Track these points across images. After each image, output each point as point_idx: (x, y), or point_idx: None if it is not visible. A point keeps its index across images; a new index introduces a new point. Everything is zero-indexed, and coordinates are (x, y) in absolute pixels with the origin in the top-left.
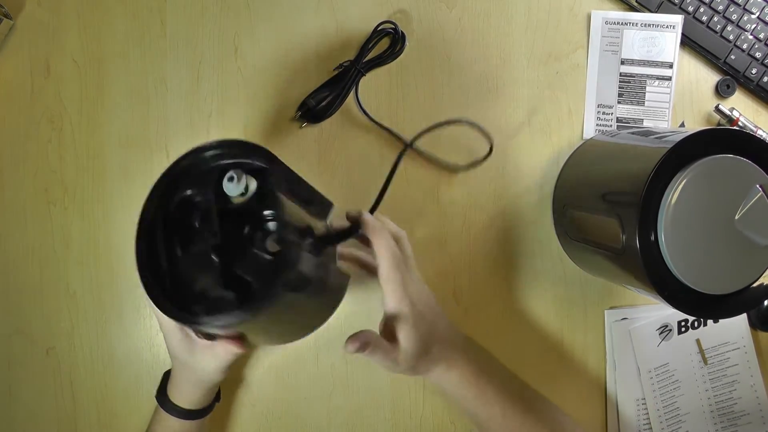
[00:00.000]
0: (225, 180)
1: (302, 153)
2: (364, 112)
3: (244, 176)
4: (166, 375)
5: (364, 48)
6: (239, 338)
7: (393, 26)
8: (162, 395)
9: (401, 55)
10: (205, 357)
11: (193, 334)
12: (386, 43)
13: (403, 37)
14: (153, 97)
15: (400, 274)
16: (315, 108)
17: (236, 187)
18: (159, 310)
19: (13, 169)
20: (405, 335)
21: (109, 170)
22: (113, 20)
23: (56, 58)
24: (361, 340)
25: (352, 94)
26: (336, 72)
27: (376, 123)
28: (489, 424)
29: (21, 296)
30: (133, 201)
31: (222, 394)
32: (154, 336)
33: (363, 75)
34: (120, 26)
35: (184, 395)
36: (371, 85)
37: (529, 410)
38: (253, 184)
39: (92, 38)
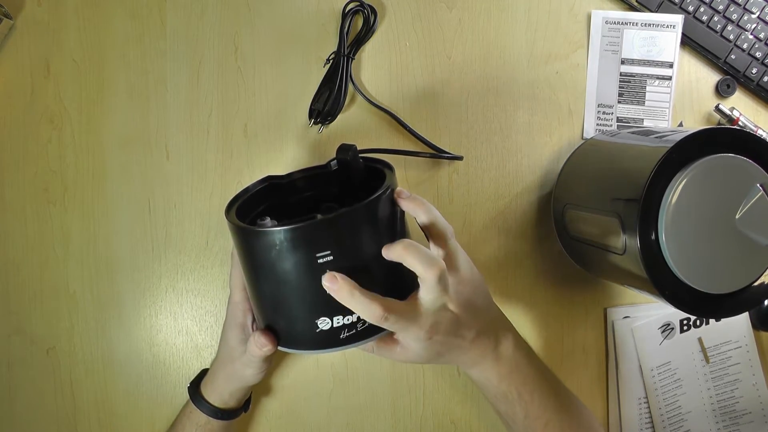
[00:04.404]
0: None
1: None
2: (366, 97)
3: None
4: (202, 372)
5: (342, 34)
6: (271, 335)
7: (359, 3)
8: (193, 389)
9: (377, 27)
10: (250, 359)
11: (251, 329)
12: (360, 20)
13: (372, 9)
14: (153, 97)
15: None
16: (324, 110)
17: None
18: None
19: (13, 169)
20: (411, 354)
21: (109, 170)
22: (113, 20)
23: (56, 58)
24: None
25: (351, 82)
26: (327, 67)
27: (380, 108)
28: (510, 421)
29: (21, 296)
30: (133, 201)
31: None
32: (154, 336)
33: (353, 60)
34: (120, 26)
35: (217, 391)
36: (372, 85)
37: (556, 412)
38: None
39: (92, 38)
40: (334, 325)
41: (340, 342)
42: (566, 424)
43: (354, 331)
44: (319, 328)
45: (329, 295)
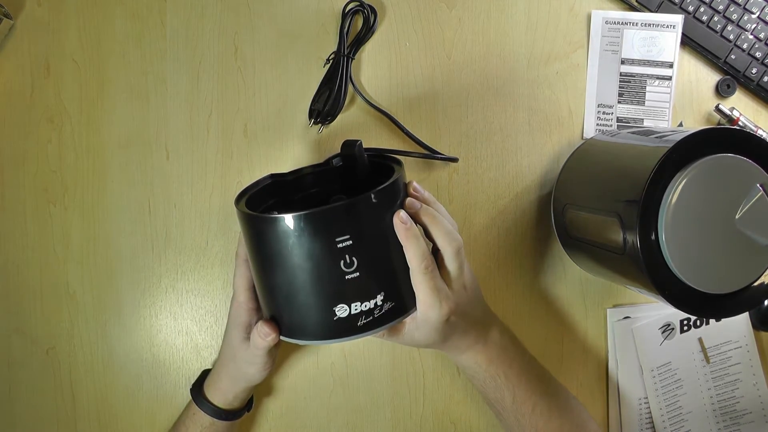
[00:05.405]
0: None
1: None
2: (364, 97)
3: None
4: (204, 373)
5: (342, 34)
6: (274, 325)
7: (359, 3)
8: (196, 390)
9: (377, 27)
10: (254, 354)
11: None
12: (360, 20)
13: (372, 9)
14: (153, 97)
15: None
16: (324, 110)
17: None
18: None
19: (13, 169)
20: (423, 334)
21: (109, 170)
22: (113, 20)
23: (56, 58)
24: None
25: (351, 82)
26: (327, 67)
27: (378, 110)
28: (500, 408)
29: (21, 296)
30: (133, 201)
31: None
32: (154, 336)
33: (353, 59)
34: (120, 26)
35: (221, 391)
36: (371, 85)
37: (543, 396)
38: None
39: (92, 38)
40: (352, 312)
41: (358, 329)
42: (554, 408)
43: (371, 317)
44: (336, 315)
45: (348, 281)
